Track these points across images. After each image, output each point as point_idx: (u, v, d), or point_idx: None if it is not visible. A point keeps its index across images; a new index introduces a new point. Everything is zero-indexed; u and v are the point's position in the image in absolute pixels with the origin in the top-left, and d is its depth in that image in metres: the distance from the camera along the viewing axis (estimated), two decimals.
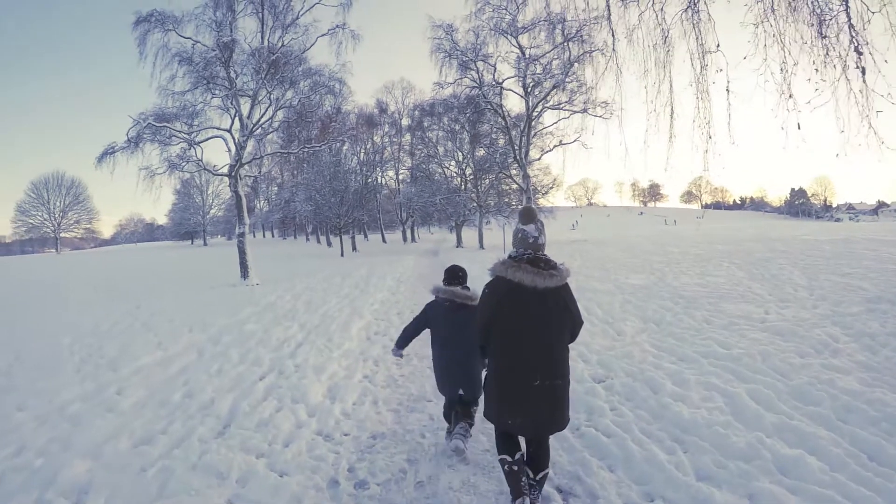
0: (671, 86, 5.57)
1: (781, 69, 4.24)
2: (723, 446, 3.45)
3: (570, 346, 2.97)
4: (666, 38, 4.93)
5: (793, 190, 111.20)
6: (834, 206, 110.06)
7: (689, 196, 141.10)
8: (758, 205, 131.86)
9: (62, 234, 63.72)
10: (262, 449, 3.75)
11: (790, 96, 4.29)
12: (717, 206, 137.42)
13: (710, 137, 4.92)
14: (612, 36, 5.38)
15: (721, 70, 4.62)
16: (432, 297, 3.89)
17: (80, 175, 64.31)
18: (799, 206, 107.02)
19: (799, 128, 4.41)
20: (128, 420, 4.38)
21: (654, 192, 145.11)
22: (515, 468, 2.86)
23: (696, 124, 4.95)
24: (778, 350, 5.42)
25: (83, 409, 4.67)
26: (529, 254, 2.83)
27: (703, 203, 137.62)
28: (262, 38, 17.54)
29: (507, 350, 2.83)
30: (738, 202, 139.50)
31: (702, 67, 4.67)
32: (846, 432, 3.53)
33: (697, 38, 4.65)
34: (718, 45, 4.65)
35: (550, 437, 3.09)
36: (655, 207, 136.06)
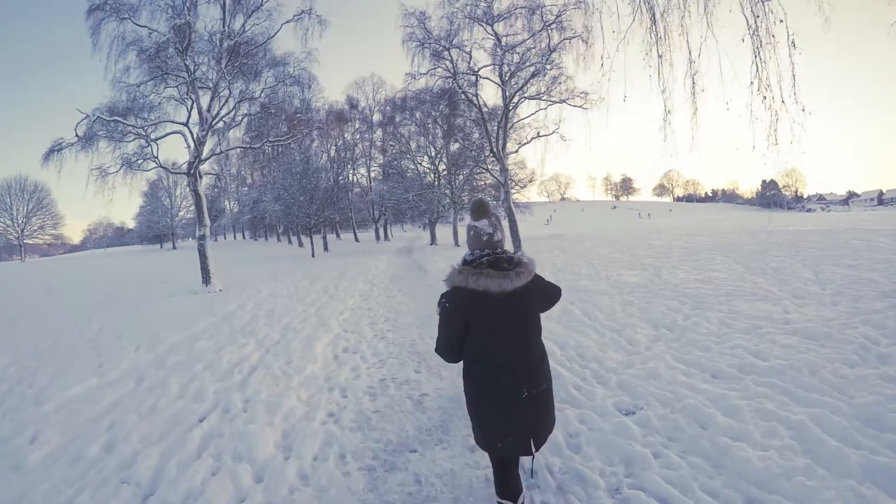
0: (690, 54, 4.68)
1: None
2: None
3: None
4: None
5: (764, 182, 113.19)
6: (805, 196, 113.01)
7: (661, 189, 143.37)
8: (730, 197, 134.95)
9: (26, 241, 60.51)
10: None
11: None
12: (690, 198, 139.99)
13: (782, 102, 3.93)
14: None
15: (781, 21, 3.67)
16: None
17: (43, 179, 60.99)
18: (771, 197, 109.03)
19: None
20: (31, 484, 3.38)
21: (626, 186, 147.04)
22: None
23: (754, 87, 3.95)
24: (821, 359, 4.62)
25: None
26: (488, 254, 2.40)
27: (676, 196, 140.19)
28: (224, 24, 16.16)
29: (482, 367, 2.40)
30: (710, 194, 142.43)
31: (755, 18, 3.67)
32: None
33: None
34: None
35: None
36: (628, 201, 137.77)
